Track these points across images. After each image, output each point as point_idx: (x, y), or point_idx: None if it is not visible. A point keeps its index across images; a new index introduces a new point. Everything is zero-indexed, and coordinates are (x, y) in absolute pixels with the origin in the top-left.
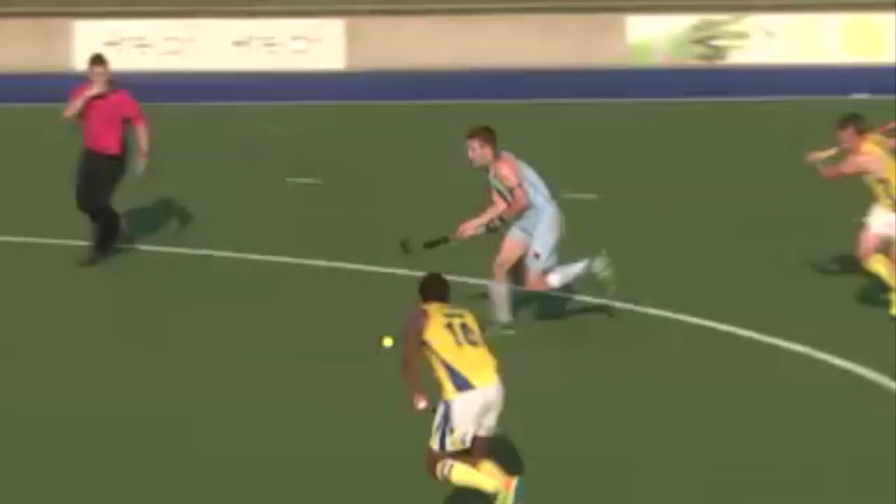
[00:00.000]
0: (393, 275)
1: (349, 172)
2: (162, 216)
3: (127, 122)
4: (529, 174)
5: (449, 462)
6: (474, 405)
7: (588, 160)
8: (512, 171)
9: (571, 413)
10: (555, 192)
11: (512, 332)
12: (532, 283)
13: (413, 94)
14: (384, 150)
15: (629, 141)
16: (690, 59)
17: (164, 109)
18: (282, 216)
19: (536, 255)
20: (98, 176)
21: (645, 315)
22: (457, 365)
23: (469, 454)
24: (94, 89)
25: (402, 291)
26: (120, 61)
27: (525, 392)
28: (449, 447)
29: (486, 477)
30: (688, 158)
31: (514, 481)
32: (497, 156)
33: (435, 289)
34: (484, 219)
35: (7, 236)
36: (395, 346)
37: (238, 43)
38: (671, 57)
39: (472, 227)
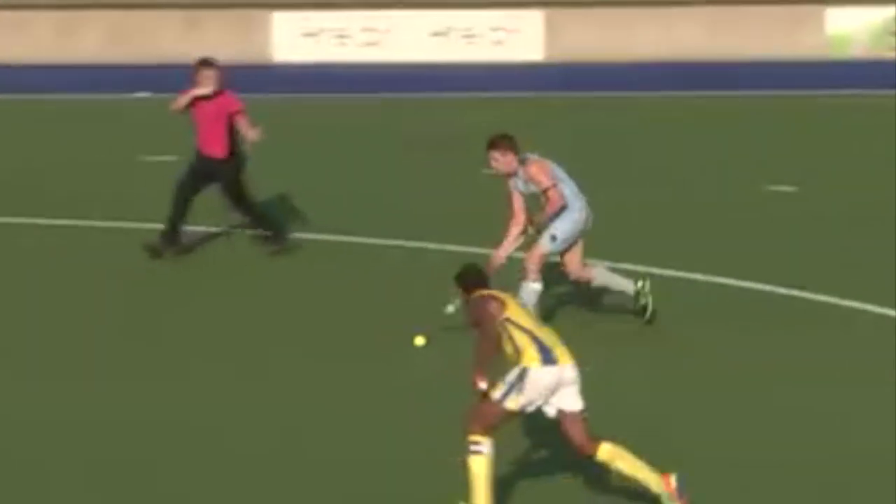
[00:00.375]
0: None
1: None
2: (364, 206)
3: (232, 118)
4: (558, 171)
5: (484, 449)
6: (551, 379)
7: (789, 152)
8: (543, 172)
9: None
10: (584, 189)
11: None
12: (532, 256)
13: (609, 86)
14: (577, 142)
15: (824, 133)
16: (889, 50)
17: (361, 101)
18: (478, 207)
19: (553, 237)
20: (215, 181)
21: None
22: (543, 338)
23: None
24: (201, 89)
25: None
26: (317, 53)
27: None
28: (508, 404)
29: (485, 495)
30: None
31: None
32: (523, 160)
33: (480, 277)
34: (510, 239)
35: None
36: (426, 345)
37: (436, 34)
38: (870, 49)
39: (504, 251)
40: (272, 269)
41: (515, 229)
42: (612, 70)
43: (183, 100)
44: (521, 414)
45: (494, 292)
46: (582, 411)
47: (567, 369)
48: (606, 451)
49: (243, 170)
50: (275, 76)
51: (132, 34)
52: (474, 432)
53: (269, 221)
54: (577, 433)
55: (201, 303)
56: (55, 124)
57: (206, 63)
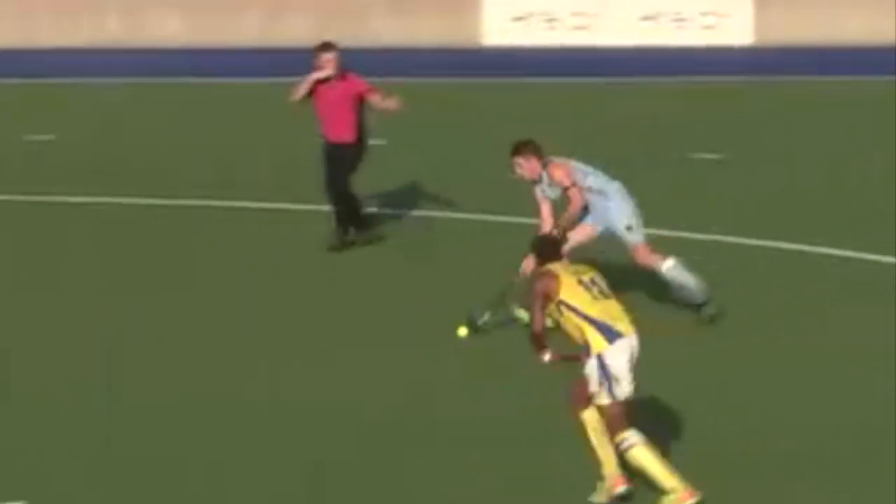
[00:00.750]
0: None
1: (757, 148)
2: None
3: (361, 101)
4: (581, 166)
5: (633, 440)
6: (626, 353)
7: None
8: (564, 173)
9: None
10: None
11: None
12: (641, 255)
13: (821, 70)
14: (787, 125)
15: None
16: None
17: (570, 86)
18: (684, 192)
19: (629, 228)
20: (338, 163)
21: None
22: (600, 317)
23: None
24: (321, 73)
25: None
26: (526, 37)
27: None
28: (621, 396)
29: (667, 473)
30: None
31: (694, 498)
32: (546, 163)
33: (552, 248)
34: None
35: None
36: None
37: (646, 18)
38: None
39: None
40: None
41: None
42: (822, 53)
43: (303, 87)
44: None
45: (553, 267)
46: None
47: (633, 339)
48: (586, 418)
49: (363, 158)
50: (484, 60)
51: (341, 18)
52: (617, 434)
53: (360, 219)
54: (582, 390)
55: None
56: (259, 108)
57: (324, 47)
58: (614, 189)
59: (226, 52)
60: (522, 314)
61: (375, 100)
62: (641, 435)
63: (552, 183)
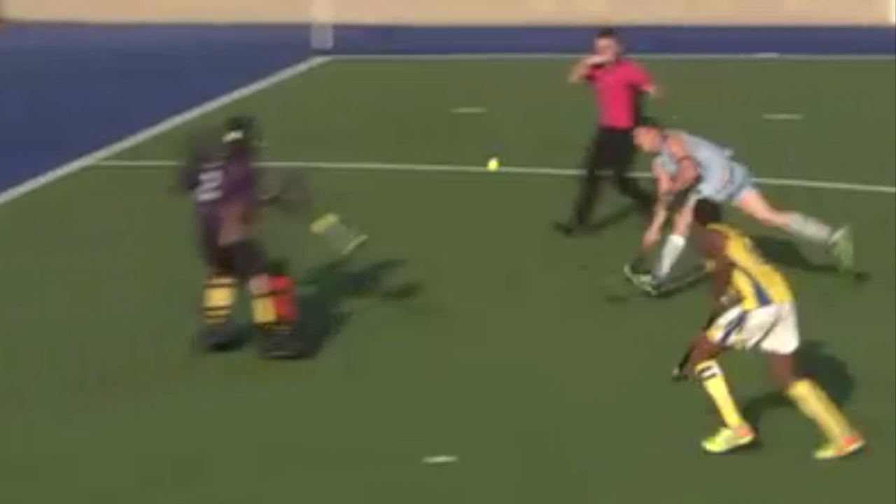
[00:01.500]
0: None
1: None
2: None
3: (638, 92)
4: (691, 138)
5: (715, 370)
6: (767, 319)
7: None
8: (679, 146)
9: None
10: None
11: (652, 291)
12: (684, 213)
13: None
14: None
15: None
16: None
17: None
18: None
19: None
20: (606, 150)
21: None
22: (761, 281)
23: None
24: (595, 58)
25: None
26: None
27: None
28: (728, 343)
29: (733, 410)
30: None
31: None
32: (665, 137)
33: (714, 211)
34: (659, 217)
35: None
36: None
37: None
38: None
39: (654, 232)
40: None
41: (661, 206)
42: None
43: (577, 69)
44: (746, 348)
45: (724, 229)
46: (792, 352)
47: (784, 308)
48: (802, 389)
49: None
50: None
51: None
52: (699, 363)
53: (645, 196)
54: (779, 368)
55: None
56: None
57: (602, 33)
58: (718, 162)
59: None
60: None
61: (650, 90)
62: (721, 370)
63: (670, 156)
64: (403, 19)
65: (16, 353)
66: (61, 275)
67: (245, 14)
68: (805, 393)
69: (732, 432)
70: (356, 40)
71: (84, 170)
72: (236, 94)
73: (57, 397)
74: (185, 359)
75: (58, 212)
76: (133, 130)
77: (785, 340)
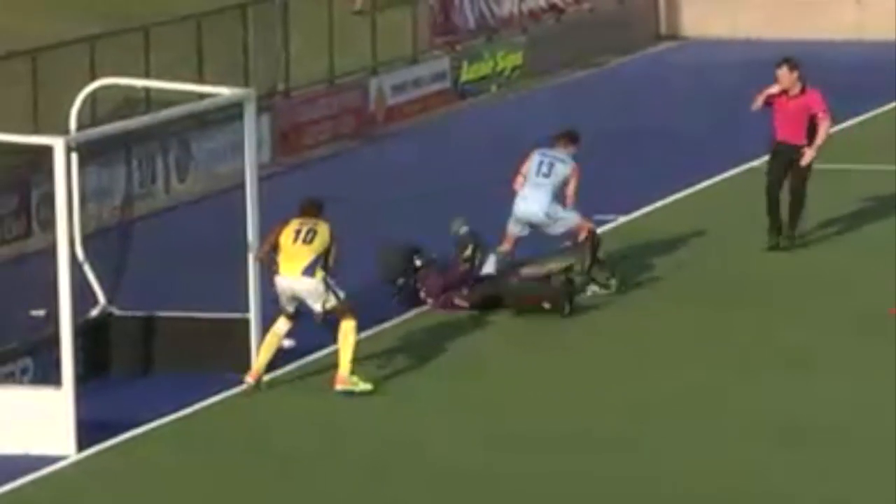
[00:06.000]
0: None
1: None
2: None
3: (813, 119)
4: None
5: None
6: None
7: None
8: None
9: None
10: None
11: None
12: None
13: None
14: None
15: None
16: None
17: None
18: None
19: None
20: (786, 162)
21: None
22: None
23: None
24: (775, 88)
25: None
26: None
27: None
28: None
29: None
30: None
31: None
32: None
33: None
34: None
35: None
36: None
37: None
38: None
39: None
40: None
41: (822, 129)
42: None
43: (758, 99)
44: None
45: None
46: None
47: None
48: None
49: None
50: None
51: None
52: None
53: (799, 221)
54: None
55: None
56: None
57: (781, 63)
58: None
59: None
60: None
61: (820, 125)
62: None
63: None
64: None
65: None
66: None
67: None
68: None
69: None
70: None
71: None
72: None
73: None
74: None
75: None
76: None
77: None
